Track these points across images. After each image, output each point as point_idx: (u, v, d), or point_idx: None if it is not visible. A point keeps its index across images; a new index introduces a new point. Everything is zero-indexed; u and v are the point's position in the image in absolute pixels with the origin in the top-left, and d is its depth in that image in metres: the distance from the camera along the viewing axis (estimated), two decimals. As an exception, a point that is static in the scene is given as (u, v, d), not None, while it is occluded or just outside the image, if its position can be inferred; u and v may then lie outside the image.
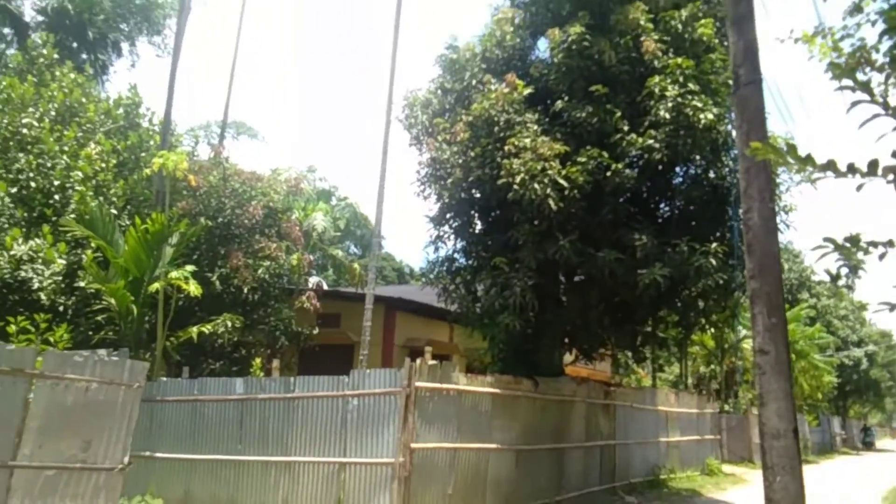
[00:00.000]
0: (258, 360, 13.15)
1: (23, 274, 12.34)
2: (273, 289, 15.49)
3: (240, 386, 11.00)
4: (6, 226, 12.93)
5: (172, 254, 12.58)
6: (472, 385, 11.13)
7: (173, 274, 12.15)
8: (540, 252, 11.96)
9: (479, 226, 14.19)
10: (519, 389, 12.27)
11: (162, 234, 12.01)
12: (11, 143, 14.42)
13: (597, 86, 12.17)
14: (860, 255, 2.87)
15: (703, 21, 12.68)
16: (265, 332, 15.17)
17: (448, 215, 13.80)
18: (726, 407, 29.18)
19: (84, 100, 16.57)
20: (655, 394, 19.60)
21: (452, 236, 14.30)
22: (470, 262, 14.41)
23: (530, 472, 12.25)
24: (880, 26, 3.43)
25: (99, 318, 12.73)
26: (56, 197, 13.97)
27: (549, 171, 11.34)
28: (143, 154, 16.13)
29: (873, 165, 2.66)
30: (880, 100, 2.93)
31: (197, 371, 13.07)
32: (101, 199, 14.09)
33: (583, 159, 11.73)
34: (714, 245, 11.68)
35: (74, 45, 26.89)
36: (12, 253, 12.38)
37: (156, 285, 12.05)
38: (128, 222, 13.44)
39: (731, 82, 7.07)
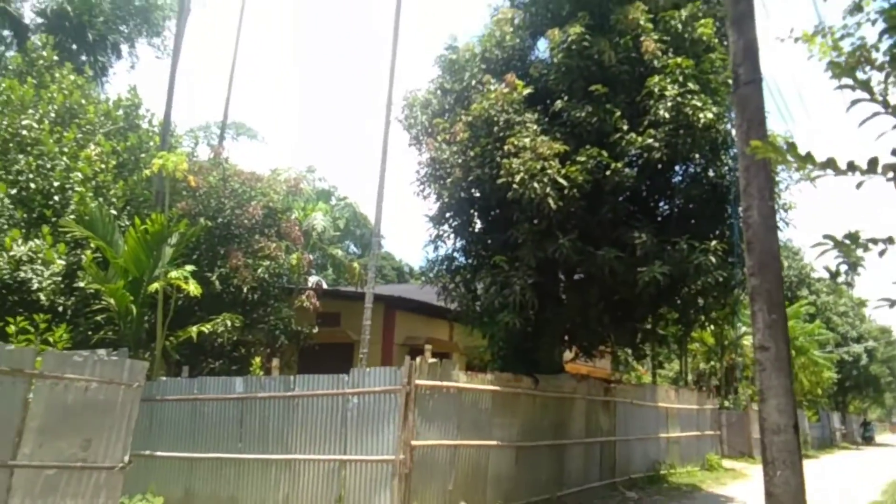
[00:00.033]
0: (258, 360, 13.18)
1: (22, 274, 12.34)
2: (273, 288, 15.50)
3: (240, 385, 11.02)
4: (6, 227, 12.93)
5: (172, 254, 12.58)
6: (472, 383, 11.16)
7: (173, 274, 12.16)
8: (539, 251, 11.98)
9: (478, 225, 14.21)
10: (519, 387, 12.29)
11: (161, 234, 12.02)
12: (11, 145, 14.41)
13: (596, 85, 12.18)
14: (860, 252, 2.88)
15: (702, 21, 12.70)
16: (265, 332, 15.18)
17: (448, 214, 13.82)
18: (726, 403, 29.26)
19: (84, 101, 16.56)
20: (655, 390, 19.65)
21: (452, 235, 14.32)
22: (470, 260, 14.43)
23: (531, 469, 12.28)
24: (880, 25, 3.44)
25: (98, 318, 12.73)
26: (56, 198, 13.96)
27: (549, 171, 11.35)
28: (142, 155, 16.13)
29: (873, 163, 2.67)
30: (880, 98, 2.94)
31: (197, 370, 13.08)
32: (101, 199, 14.09)
33: (582, 158, 11.74)
34: (713, 243, 11.70)
35: (74, 46, 26.86)
36: (12, 254, 12.38)
37: (155, 285, 12.06)
38: (127, 223, 13.44)
39: (730, 81, 7.08)
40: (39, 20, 27.14)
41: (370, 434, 9.75)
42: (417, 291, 18.56)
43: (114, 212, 13.96)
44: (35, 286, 12.34)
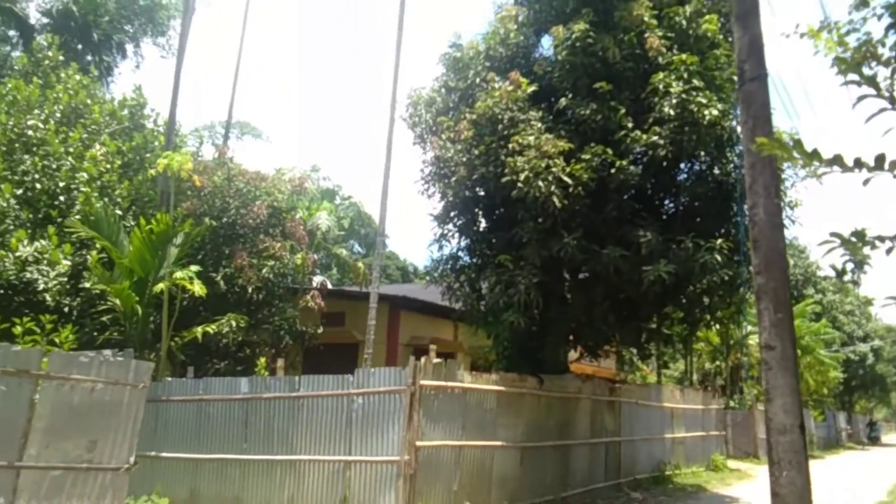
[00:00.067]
0: (263, 360, 13.17)
1: (28, 275, 12.38)
2: (277, 288, 15.51)
3: (245, 385, 11.03)
4: (12, 227, 12.97)
5: (177, 254, 12.60)
6: (476, 383, 11.14)
7: (178, 274, 12.18)
8: (544, 249, 11.95)
9: (483, 224, 14.19)
10: (524, 387, 12.27)
11: (166, 234, 12.04)
12: (17, 145, 14.46)
13: (601, 83, 12.15)
14: (866, 249, 2.85)
15: (707, 17, 12.65)
16: (270, 332, 15.19)
17: (452, 213, 13.80)
18: (731, 403, 29.16)
19: (89, 101, 16.61)
20: (661, 390, 19.59)
21: (456, 234, 14.30)
22: (474, 260, 14.41)
23: (535, 469, 12.26)
24: (886, 20, 3.42)
25: (104, 318, 12.76)
26: (61, 198, 14.00)
27: (554, 169, 11.33)
28: (147, 155, 16.16)
29: (880, 160, 2.64)
30: (886, 94, 2.91)
31: (202, 371, 13.10)
32: (106, 200, 14.12)
33: (587, 156, 11.71)
34: (719, 241, 11.65)
35: (79, 46, 26.97)
36: (18, 254, 12.42)
37: (160, 285, 12.08)
38: (133, 223, 13.48)
39: (735, 78, 7.04)
40: (45, 20, 27.27)
41: (375, 435, 9.74)
42: (422, 291, 18.56)
43: (119, 212, 13.99)
44: (41, 287, 12.38)
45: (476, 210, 13.81)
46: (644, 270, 11.51)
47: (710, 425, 21.95)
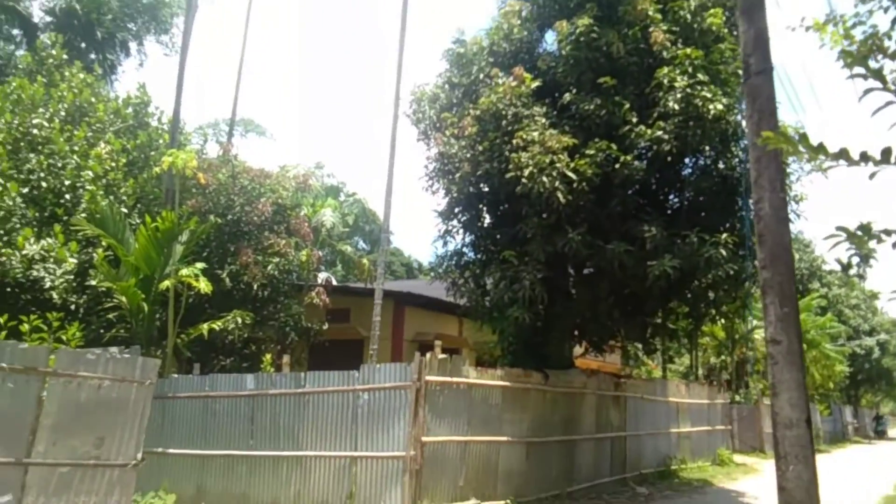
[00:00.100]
0: (268, 356, 13.22)
1: (35, 273, 12.43)
2: (282, 285, 15.55)
3: (251, 382, 11.07)
4: (18, 226, 13.02)
5: (182, 251, 12.64)
6: (482, 378, 11.16)
7: (183, 271, 12.21)
8: (549, 245, 11.94)
9: (487, 220, 14.19)
10: (529, 382, 12.28)
11: (172, 232, 12.07)
12: (22, 144, 14.50)
13: (605, 78, 12.11)
14: (872, 243, 2.85)
15: (712, 11, 12.60)
16: (275, 328, 15.22)
17: (456, 210, 13.80)
18: (737, 397, 29.13)
19: (93, 99, 16.64)
20: (666, 385, 19.57)
21: (461, 230, 14.31)
22: (479, 255, 14.42)
23: (541, 464, 12.28)
24: (893, 13, 3.40)
25: (110, 316, 12.81)
26: (67, 196, 14.05)
27: (558, 164, 11.31)
28: (152, 153, 16.20)
29: (887, 153, 2.63)
30: (893, 87, 2.90)
31: (208, 367, 13.14)
32: (112, 198, 14.16)
33: (591, 152, 11.69)
34: (724, 236, 11.62)
35: (83, 45, 27.02)
36: (24, 252, 12.47)
37: (166, 283, 12.12)
38: (138, 221, 13.51)
39: (740, 72, 7.02)
40: (48, 19, 27.32)
41: (381, 430, 9.77)
42: (427, 287, 18.56)
43: (124, 210, 14.03)
44: (47, 285, 12.43)
45: (480, 206, 13.81)
46: (649, 265, 11.50)
47: (715, 420, 21.94)
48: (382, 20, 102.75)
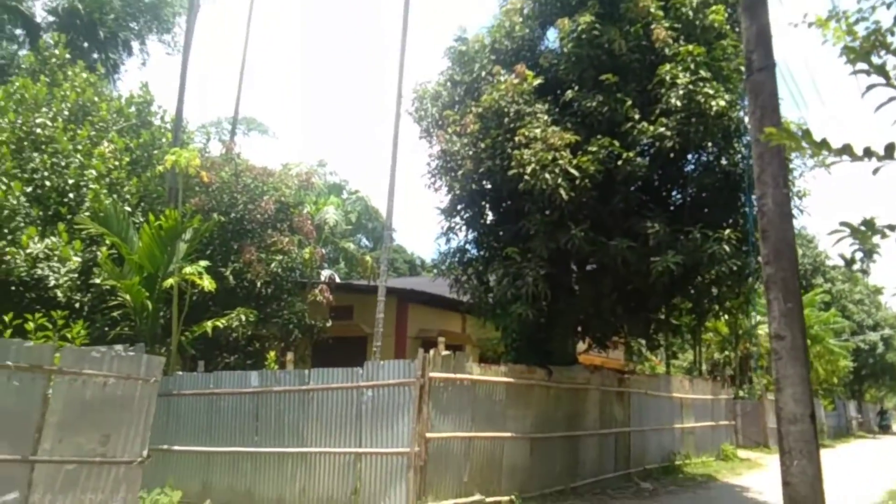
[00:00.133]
0: (272, 354, 13.25)
1: (39, 272, 12.48)
2: (286, 282, 15.58)
3: (255, 379, 11.10)
4: (22, 224, 13.06)
5: (186, 249, 12.67)
6: (485, 375, 11.18)
7: (187, 269, 12.25)
8: (552, 242, 11.95)
9: (490, 217, 14.20)
10: (532, 378, 12.30)
11: (175, 230, 12.10)
12: (26, 143, 14.54)
13: (607, 75, 12.11)
14: (876, 238, 2.86)
15: (714, 7, 12.58)
16: (279, 326, 15.26)
17: (459, 207, 13.81)
18: (741, 393, 29.14)
19: (96, 99, 16.67)
20: (670, 381, 19.59)
21: (464, 227, 14.32)
22: (482, 252, 14.42)
23: (545, 460, 12.30)
24: (895, 9, 3.40)
25: (115, 314, 12.86)
26: (70, 195, 14.09)
27: (560, 161, 11.32)
28: (155, 151, 16.22)
29: (890, 149, 2.64)
30: (896, 83, 2.90)
31: (212, 365, 13.19)
32: (115, 196, 14.20)
33: (594, 148, 11.69)
34: (727, 231, 11.62)
35: (85, 44, 27.07)
36: (29, 251, 12.51)
37: (170, 281, 12.16)
38: (141, 219, 13.54)
39: (742, 69, 7.01)
40: (51, 18, 27.36)
41: (385, 427, 9.80)
42: (430, 284, 18.58)
43: (128, 208, 14.06)
44: (52, 283, 12.48)
45: (483, 203, 13.82)
46: (652, 261, 11.50)
47: (719, 415, 21.94)
48: (384, 18, 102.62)
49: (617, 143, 11.82)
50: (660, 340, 19.01)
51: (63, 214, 13.67)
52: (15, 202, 13.05)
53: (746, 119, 8.26)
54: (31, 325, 9.65)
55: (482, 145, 12.45)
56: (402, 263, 47.22)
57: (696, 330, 21.96)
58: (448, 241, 14.43)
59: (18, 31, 27.15)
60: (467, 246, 14.63)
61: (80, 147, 14.81)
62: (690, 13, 12.64)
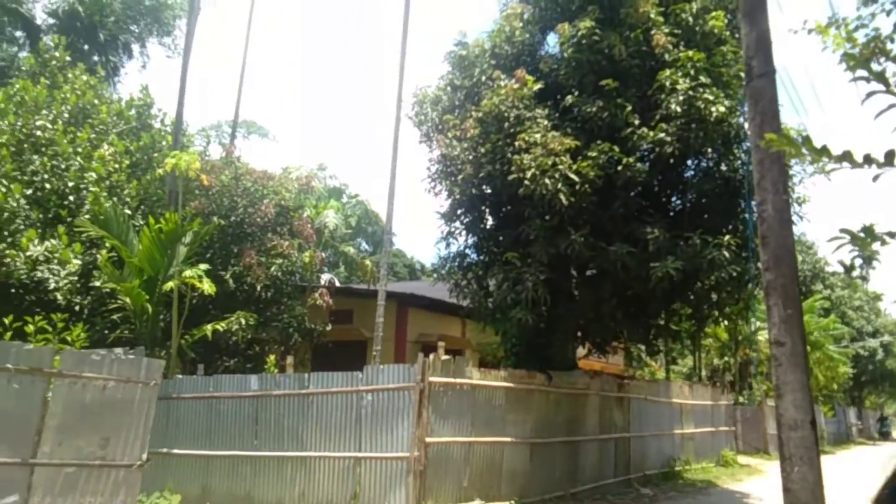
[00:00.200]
0: (272, 357, 13.24)
1: (39, 274, 12.47)
2: (286, 286, 15.56)
3: (255, 383, 11.09)
4: (22, 227, 13.06)
5: (186, 253, 12.67)
6: (485, 379, 11.18)
7: (187, 272, 12.25)
8: (552, 247, 11.96)
9: (490, 221, 14.22)
10: (532, 383, 12.30)
11: (175, 233, 12.10)
12: (26, 146, 14.55)
13: (607, 80, 12.13)
14: (876, 245, 2.86)
15: (714, 13, 12.63)
16: (278, 330, 15.24)
17: (459, 211, 13.83)
18: (741, 399, 29.10)
19: (96, 101, 16.69)
20: (669, 386, 19.57)
21: (464, 232, 14.33)
22: (481, 257, 14.44)
23: (545, 465, 12.29)
24: (895, 16, 3.41)
25: (115, 317, 12.85)
26: (70, 198, 14.09)
27: (560, 166, 11.34)
28: (155, 154, 16.23)
29: (890, 156, 2.65)
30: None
31: (212, 368, 13.16)
32: (115, 199, 14.20)
33: (594, 154, 11.71)
34: (727, 237, 11.63)
35: (86, 47, 27.12)
36: (28, 254, 12.51)
37: (170, 284, 12.15)
38: (142, 222, 13.54)
39: (742, 75, 7.03)
40: (51, 21, 27.42)
41: (384, 431, 9.79)
42: (429, 288, 18.57)
43: (128, 211, 14.07)
44: (52, 286, 12.47)
45: (483, 208, 13.83)
46: (652, 267, 11.51)
47: (719, 421, 21.93)
48: (384, 22, 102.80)
49: (617, 149, 11.84)
50: (659, 346, 19.01)
51: (63, 217, 13.67)
52: (15, 205, 13.05)
53: (746, 125, 8.28)
54: (30, 328, 9.65)
55: (482, 150, 12.47)
56: (401, 268, 47.21)
57: (695, 335, 21.98)
58: (448, 245, 14.47)
59: (19, 34, 27.20)
60: (467, 250, 14.64)
61: (80, 150, 14.82)
62: (690, 19, 12.68)
